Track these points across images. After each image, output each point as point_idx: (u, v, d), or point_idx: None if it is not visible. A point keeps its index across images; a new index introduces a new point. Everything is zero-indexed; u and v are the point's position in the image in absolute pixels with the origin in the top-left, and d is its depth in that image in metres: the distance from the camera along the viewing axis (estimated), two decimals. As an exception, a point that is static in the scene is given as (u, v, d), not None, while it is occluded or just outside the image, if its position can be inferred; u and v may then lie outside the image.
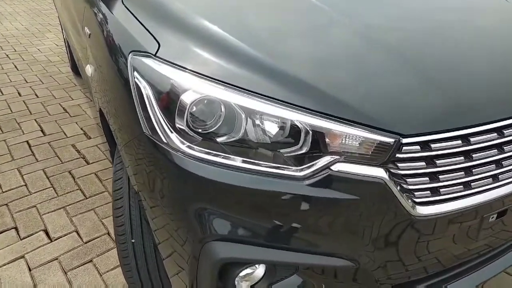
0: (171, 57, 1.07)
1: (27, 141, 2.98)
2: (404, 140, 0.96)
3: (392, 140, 0.95)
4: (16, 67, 4.53)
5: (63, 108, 3.53)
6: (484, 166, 1.06)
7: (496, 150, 1.06)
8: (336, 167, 0.96)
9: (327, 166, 0.96)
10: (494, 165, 1.07)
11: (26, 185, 2.49)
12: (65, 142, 2.98)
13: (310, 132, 0.95)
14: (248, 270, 1.09)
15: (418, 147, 0.97)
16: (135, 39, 1.18)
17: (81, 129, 3.17)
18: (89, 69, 1.67)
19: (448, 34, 1.30)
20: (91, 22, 1.67)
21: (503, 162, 1.08)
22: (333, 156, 0.96)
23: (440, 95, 1.04)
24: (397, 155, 0.97)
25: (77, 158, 2.77)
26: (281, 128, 0.97)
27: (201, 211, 1.02)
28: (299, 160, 0.98)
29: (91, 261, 1.93)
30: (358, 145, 0.96)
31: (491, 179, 1.09)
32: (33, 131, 3.13)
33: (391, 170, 0.98)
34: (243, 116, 0.97)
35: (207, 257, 1.03)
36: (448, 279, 1.22)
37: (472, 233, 1.16)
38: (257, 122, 0.97)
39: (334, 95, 0.98)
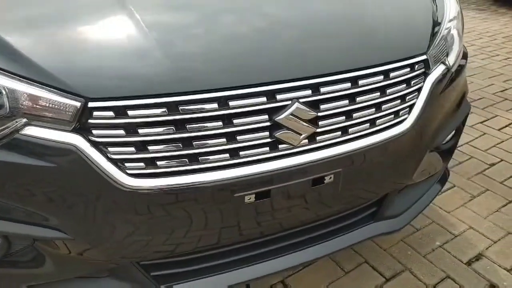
0: None
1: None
2: (91, 104, 0.88)
3: (78, 103, 0.88)
4: None
5: None
6: (209, 140, 0.96)
7: (221, 122, 0.96)
8: (27, 131, 0.90)
9: (14, 129, 0.89)
10: (224, 138, 0.97)
11: None
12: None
13: (3, 92, 0.89)
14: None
15: (111, 113, 0.89)
16: None
17: None
18: None
19: None
20: None
21: (238, 137, 0.98)
22: (20, 119, 0.89)
23: (144, 58, 0.94)
24: (90, 120, 0.90)
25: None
26: None
27: None
28: None
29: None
30: (44, 107, 0.89)
31: (227, 154, 0.99)
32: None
33: (90, 138, 0.91)
34: None
35: None
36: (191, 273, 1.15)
37: (226, 215, 1.06)
38: None
39: (21, 52, 0.91)
